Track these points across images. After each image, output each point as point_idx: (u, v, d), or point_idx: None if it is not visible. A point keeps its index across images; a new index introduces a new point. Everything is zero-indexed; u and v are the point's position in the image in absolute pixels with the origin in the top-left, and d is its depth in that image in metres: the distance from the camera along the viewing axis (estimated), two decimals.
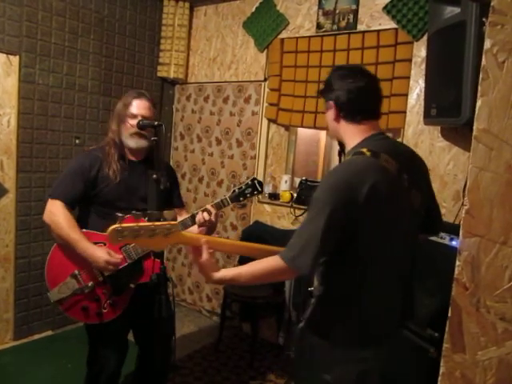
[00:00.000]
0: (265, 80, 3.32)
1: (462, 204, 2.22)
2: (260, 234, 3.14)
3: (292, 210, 3.11)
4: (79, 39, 3.13)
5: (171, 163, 3.87)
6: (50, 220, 1.81)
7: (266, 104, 3.31)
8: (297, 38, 3.09)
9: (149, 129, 1.79)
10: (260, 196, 1.84)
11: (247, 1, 3.37)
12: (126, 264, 1.81)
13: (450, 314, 1.09)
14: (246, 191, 1.92)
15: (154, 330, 1.85)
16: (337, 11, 2.88)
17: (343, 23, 2.87)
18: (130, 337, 2.04)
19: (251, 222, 3.38)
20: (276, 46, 3.19)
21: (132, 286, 1.84)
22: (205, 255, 1.29)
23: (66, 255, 1.83)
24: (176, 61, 3.66)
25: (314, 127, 3.06)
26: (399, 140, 2.61)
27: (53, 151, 3.07)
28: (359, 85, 1.33)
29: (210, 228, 1.88)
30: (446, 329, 1.10)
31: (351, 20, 2.83)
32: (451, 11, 2.07)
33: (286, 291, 2.79)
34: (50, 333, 3.16)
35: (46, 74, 2.96)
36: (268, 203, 3.29)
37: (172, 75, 3.68)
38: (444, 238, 2.14)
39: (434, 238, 2.08)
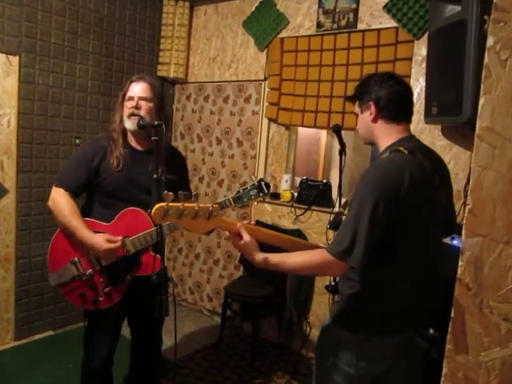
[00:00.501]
0: (265, 79, 3.31)
1: (463, 203, 2.22)
2: None
3: (293, 209, 3.11)
4: (79, 39, 3.12)
5: None
6: (52, 206, 1.85)
7: (266, 103, 3.30)
8: (297, 37, 3.08)
9: (149, 126, 1.78)
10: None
11: (247, 0, 3.36)
12: (123, 256, 1.81)
13: (452, 315, 1.08)
14: (251, 192, 1.89)
15: (149, 326, 1.97)
16: (337, 10, 2.88)
17: (343, 22, 2.86)
18: (124, 332, 2.05)
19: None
20: (276, 45, 3.19)
21: (129, 277, 1.85)
22: (246, 237, 1.34)
23: (68, 241, 1.86)
24: (176, 60, 3.66)
25: (315, 126, 3.05)
26: None
27: (53, 151, 3.06)
28: (400, 88, 1.41)
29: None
30: (449, 329, 1.09)
31: (351, 19, 2.82)
32: (452, 10, 2.07)
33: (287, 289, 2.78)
34: (50, 333, 3.16)
35: (45, 74, 2.96)
36: (269, 203, 3.28)
37: (172, 75, 3.67)
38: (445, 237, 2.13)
39: None
